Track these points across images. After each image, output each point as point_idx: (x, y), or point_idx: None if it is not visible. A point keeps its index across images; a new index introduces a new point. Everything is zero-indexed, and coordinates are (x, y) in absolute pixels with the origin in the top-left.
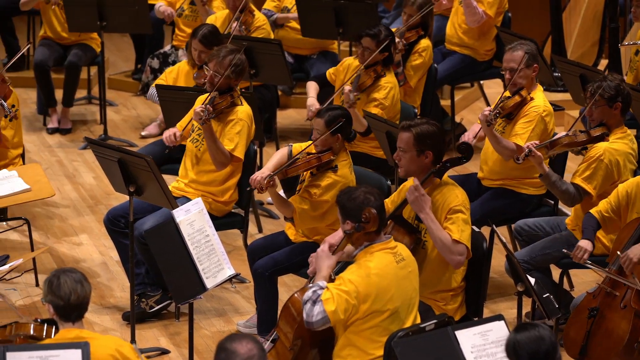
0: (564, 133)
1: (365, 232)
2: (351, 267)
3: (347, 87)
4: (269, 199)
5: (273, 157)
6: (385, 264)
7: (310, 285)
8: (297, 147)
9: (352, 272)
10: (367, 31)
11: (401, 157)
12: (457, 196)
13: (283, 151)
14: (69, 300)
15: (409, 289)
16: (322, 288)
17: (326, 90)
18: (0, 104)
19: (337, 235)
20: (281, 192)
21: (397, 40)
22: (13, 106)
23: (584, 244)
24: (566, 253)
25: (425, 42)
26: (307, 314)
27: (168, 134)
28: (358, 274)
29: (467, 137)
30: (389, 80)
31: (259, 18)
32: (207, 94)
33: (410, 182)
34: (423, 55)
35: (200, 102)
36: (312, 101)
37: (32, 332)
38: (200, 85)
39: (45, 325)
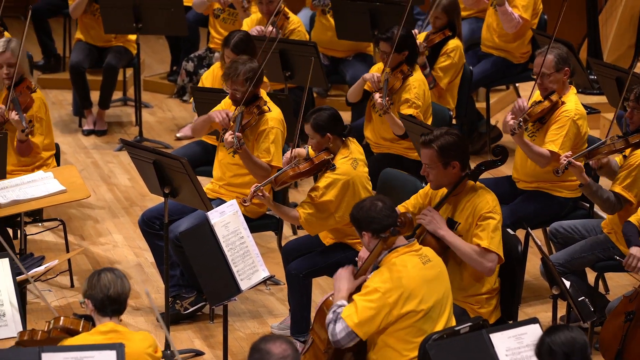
0: (601, 140)
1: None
2: (378, 272)
3: (377, 95)
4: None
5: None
6: (412, 265)
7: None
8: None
9: (380, 279)
10: (380, 35)
11: (429, 172)
12: (487, 202)
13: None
14: (107, 292)
15: (440, 289)
16: (341, 306)
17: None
18: (18, 117)
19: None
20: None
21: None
22: (30, 121)
23: (636, 251)
24: (618, 260)
25: (453, 43)
26: (331, 334)
27: (222, 115)
28: (386, 279)
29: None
30: (416, 78)
31: (294, 20)
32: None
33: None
34: (452, 56)
35: (224, 104)
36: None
37: (69, 325)
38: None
39: (83, 319)
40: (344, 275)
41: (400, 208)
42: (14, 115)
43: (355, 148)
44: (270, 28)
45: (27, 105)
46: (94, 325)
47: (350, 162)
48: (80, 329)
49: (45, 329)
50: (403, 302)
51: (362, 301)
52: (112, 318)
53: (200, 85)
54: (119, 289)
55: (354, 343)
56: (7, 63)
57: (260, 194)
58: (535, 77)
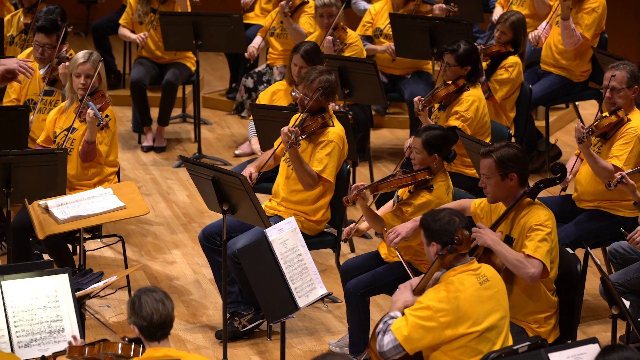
0: None
1: (458, 254)
2: (433, 290)
3: (417, 98)
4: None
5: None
6: (468, 285)
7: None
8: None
9: (433, 296)
10: (446, 47)
11: (486, 183)
12: (539, 216)
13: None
14: (151, 320)
15: (496, 310)
16: (392, 318)
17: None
18: (93, 112)
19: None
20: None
21: None
22: (106, 116)
23: None
24: None
25: (513, 59)
26: (379, 345)
27: (245, 172)
28: (438, 298)
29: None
30: (471, 94)
31: (352, 35)
32: (299, 114)
33: (480, 201)
34: (510, 70)
35: (293, 121)
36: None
37: (119, 351)
38: (296, 102)
39: (133, 344)
40: (404, 289)
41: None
42: (89, 111)
43: (449, 175)
44: (329, 39)
45: (101, 107)
46: (144, 347)
47: (445, 187)
48: (132, 354)
49: (96, 350)
50: (455, 324)
51: (413, 317)
52: (160, 342)
53: (257, 102)
54: (162, 314)
55: (400, 357)
56: (86, 74)
57: (362, 195)
58: (603, 90)
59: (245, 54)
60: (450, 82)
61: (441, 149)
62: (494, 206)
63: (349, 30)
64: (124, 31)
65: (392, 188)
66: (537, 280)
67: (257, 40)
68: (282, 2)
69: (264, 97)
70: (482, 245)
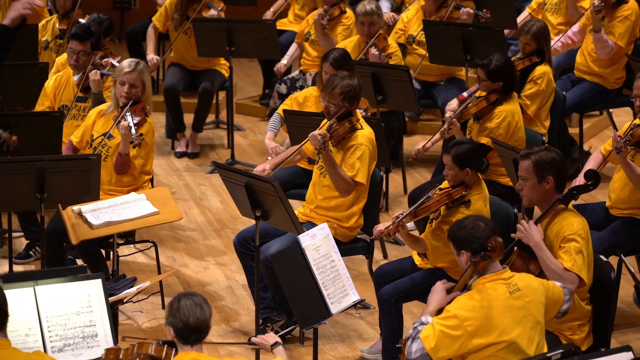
0: None
1: (491, 260)
2: (461, 299)
3: (449, 111)
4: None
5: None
6: (496, 295)
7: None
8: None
9: (460, 305)
10: (478, 61)
11: (523, 185)
12: (572, 225)
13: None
14: (187, 322)
15: (527, 319)
16: (423, 324)
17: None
18: (128, 126)
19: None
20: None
21: None
22: (141, 135)
23: None
24: None
25: (541, 69)
26: (407, 352)
27: (258, 169)
28: (466, 307)
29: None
30: (504, 109)
31: (393, 45)
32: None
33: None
34: (539, 82)
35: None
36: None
37: (152, 352)
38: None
39: (166, 346)
40: (438, 289)
41: None
42: (124, 123)
43: (485, 186)
44: (374, 50)
45: (138, 122)
46: (177, 351)
47: (482, 199)
48: (164, 357)
49: (129, 351)
50: (483, 333)
51: (440, 326)
52: (193, 346)
53: (287, 103)
54: (199, 317)
55: None
56: (131, 83)
57: (401, 224)
58: (634, 99)
59: (275, 68)
60: (482, 96)
61: (471, 163)
62: None
63: (389, 39)
64: (150, 38)
65: (430, 211)
66: (573, 293)
67: (291, 51)
68: (320, 12)
69: (294, 101)
70: (526, 243)
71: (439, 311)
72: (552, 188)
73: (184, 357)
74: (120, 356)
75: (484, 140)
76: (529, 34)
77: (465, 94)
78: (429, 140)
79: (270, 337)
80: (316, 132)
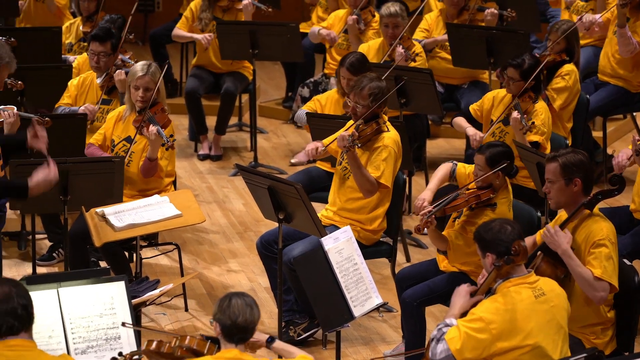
0: None
1: (513, 265)
2: (486, 302)
3: (516, 114)
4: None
5: (435, 174)
6: (522, 298)
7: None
8: (461, 168)
9: (486, 308)
10: (510, 61)
11: (550, 188)
12: (601, 229)
13: (446, 167)
14: (235, 321)
15: (552, 324)
16: (448, 326)
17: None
18: (157, 130)
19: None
20: None
21: None
22: (171, 136)
23: None
24: None
25: (569, 67)
26: (431, 352)
27: (310, 147)
28: (491, 309)
29: (620, 157)
30: (542, 106)
31: (417, 46)
32: (353, 122)
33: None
34: (566, 78)
35: (347, 127)
36: (474, 130)
37: (195, 346)
38: (349, 114)
39: (209, 342)
40: (461, 292)
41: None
42: (152, 129)
43: (510, 189)
44: (400, 49)
45: (164, 124)
46: (219, 348)
47: (507, 203)
48: (205, 352)
49: (172, 344)
50: (507, 336)
51: (466, 327)
52: (237, 345)
53: (310, 104)
54: (248, 317)
55: None
56: (145, 87)
57: (430, 220)
58: None
59: (327, 37)
60: (524, 98)
61: (504, 166)
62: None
63: (413, 40)
64: (181, 32)
65: (458, 209)
66: (605, 301)
67: (322, 31)
68: (354, 17)
69: (317, 103)
70: (554, 249)
71: (463, 314)
72: (580, 190)
73: (226, 354)
74: (162, 348)
75: (536, 138)
76: (558, 32)
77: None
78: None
79: (261, 335)
80: (345, 132)
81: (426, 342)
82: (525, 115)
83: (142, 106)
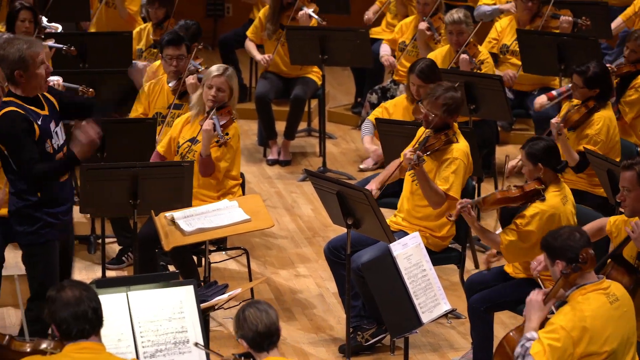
0: None
1: (581, 272)
2: (563, 310)
3: (555, 119)
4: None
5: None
6: (599, 305)
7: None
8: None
9: (565, 317)
10: (575, 68)
11: (626, 196)
12: None
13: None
14: (257, 330)
15: (625, 329)
16: (530, 340)
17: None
18: (213, 124)
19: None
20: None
21: None
22: (226, 134)
23: None
24: None
25: None
26: None
27: (367, 186)
28: (571, 318)
29: None
30: (602, 115)
31: (483, 52)
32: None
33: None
34: (639, 90)
35: (419, 135)
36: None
37: None
38: (418, 120)
39: (242, 358)
40: (535, 302)
41: None
42: (208, 121)
43: (566, 187)
44: (465, 56)
45: (225, 125)
46: None
47: (561, 197)
48: None
49: None
50: (587, 342)
51: (548, 339)
52: (269, 352)
53: (378, 111)
54: (266, 322)
55: None
56: (218, 87)
57: (466, 210)
58: None
59: (385, 64)
60: (579, 104)
61: (544, 159)
62: (626, 221)
63: (479, 46)
64: (250, 47)
65: (500, 204)
66: None
67: (386, 49)
68: (425, 25)
69: (385, 110)
70: (638, 248)
71: (541, 325)
72: None
73: None
74: None
75: (588, 147)
76: (637, 41)
77: (554, 92)
78: None
79: None
80: (408, 152)
81: (494, 349)
82: (562, 124)
83: (212, 105)
